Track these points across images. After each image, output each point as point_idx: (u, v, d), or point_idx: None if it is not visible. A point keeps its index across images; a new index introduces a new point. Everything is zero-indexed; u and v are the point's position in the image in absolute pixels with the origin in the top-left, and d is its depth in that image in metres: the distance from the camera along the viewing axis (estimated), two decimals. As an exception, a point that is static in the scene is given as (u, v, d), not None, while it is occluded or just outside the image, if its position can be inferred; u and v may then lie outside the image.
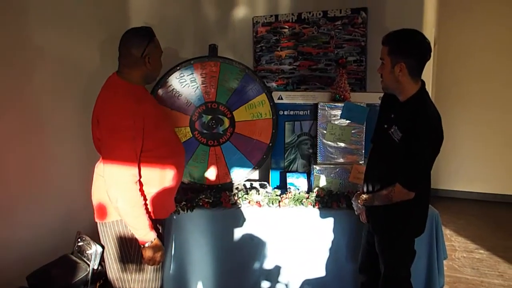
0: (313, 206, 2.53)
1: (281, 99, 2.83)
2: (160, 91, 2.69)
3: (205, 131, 2.76)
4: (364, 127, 2.65)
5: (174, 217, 2.50)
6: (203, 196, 2.61)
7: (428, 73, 2.53)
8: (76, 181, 2.42)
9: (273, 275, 2.58)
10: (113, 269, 1.91)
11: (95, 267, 1.98)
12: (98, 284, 2.05)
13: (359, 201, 2.11)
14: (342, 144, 2.67)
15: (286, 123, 2.84)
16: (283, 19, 3.16)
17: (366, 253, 2.25)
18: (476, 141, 4.89)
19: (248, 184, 2.86)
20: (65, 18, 2.38)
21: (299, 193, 2.61)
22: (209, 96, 2.73)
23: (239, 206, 2.58)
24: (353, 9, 3.01)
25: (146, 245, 1.81)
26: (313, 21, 3.10)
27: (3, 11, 2.02)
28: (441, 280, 2.48)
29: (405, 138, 1.85)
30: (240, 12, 3.28)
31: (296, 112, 2.83)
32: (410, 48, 1.85)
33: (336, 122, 2.66)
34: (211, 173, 2.78)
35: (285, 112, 2.83)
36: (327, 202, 2.53)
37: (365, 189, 2.13)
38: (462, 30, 4.75)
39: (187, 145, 2.68)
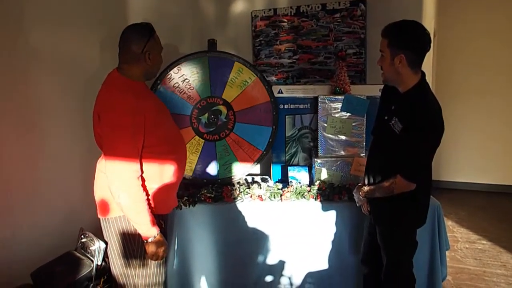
0: (315, 199, 2.53)
1: (281, 92, 2.82)
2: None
3: (211, 129, 2.75)
4: (365, 120, 2.65)
5: (177, 212, 2.50)
6: (205, 191, 2.61)
7: (428, 64, 2.53)
8: (78, 178, 2.42)
9: (276, 268, 2.59)
10: (117, 265, 1.92)
11: (99, 263, 1.99)
12: (102, 280, 2.06)
13: (360, 193, 2.12)
14: (343, 137, 2.67)
15: (286, 116, 2.84)
16: (281, 12, 3.15)
17: (368, 245, 2.26)
18: (478, 132, 4.89)
19: (249, 179, 2.86)
20: (64, 16, 2.38)
21: (301, 187, 2.61)
22: (193, 99, 2.72)
23: (241, 200, 2.58)
24: (352, 1, 3.00)
25: (149, 240, 1.82)
26: (312, 14, 3.09)
27: (2, 13, 2.02)
28: (443, 270, 2.49)
29: (405, 129, 1.85)
30: (239, 6, 3.27)
31: (297, 105, 2.83)
32: (409, 40, 1.85)
33: (336, 115, 2.66)
34: (243, 157, 2.77)
35: (285, 106, 2.83)
36: (328, 195, 2.53)
37: (366, 181, 2.13)
38: (462, 20, 4.74)
39: (207, 151, 2.73)
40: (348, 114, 2.65)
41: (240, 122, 2.75)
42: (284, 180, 2.82)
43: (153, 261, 1.91)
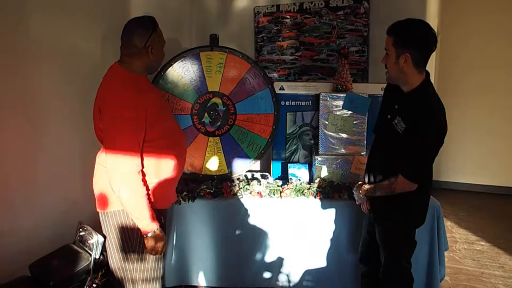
0: (315, 197, 2.53)
1: (283, 89, 2.81)
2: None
3: (218, 124, 2.76)
4: (366, 118, 2.64)
5: (176, 207, 2.50)
6: (204, 186, 2.61)
7: (431, 63, 2.50)
8: (78, 171, 2.42)
9: (274, 265, 2.59)
10: (115, 259, 1.92)
11: (97, 257, 1.99)
12: (100, 274, 2.06)
13: (360, 191, 2.11)
14: (344, 135, 2.66)
15: (287, 113, 2.83)
16: (284, 9, 3.14)
17: (366, 244, 2.26)
18: (479, 132, 4.87)
19: (249, 175, 2.86)
20: (65, 8, 2.36)
21: (301, 184, 2.60)
22: (186, 109, 2.72)
23: (241, 196, 2.58)
24: (356, -1, 2.99)
25: (149, 235, 1.81)
26: (315, 11, 3.08)
27: (2, 3, 2.00)
28: (442, 271, 2.49)
29: (408, 129, 1.84)
30: (242, 2, 3.26)
31: (298, 102, 2.82)
32: (415, 39, 1.82)
33: (338, 113, 2.65)
34: (260, 129, 2.79)
35: (287, 103, 2.82)
36: (328, 192, 2.53)
37: (366, 180, 2.13)
38: (465, 18, 4.71)
39: (228, 144, 2.78)
40: (350, 112, 2.64)
41: (237, 102, 2.75)
42: (284, 177, 2.82)
43: (151, 256, 1.90)
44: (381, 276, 2.12)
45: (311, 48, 3.13)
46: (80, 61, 2.47)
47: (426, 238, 2.39)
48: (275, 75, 3.21)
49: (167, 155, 1.90)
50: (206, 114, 2.75)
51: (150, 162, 1.84)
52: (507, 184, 4.84)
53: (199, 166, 2.79)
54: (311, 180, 2.71)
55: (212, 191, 2.58)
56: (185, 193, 2.54)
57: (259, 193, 2.57)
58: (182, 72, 2.70)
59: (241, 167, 2.79)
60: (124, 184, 1.73)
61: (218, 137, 2.77)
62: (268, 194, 2.57)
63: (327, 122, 2.66)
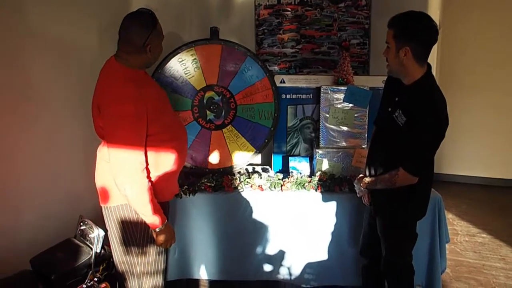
0: (315, 190, 2.52)
1: (284, 82, 2.80)
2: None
3: (223, 114, 2.76)
4: (367, 111, 2.63)
5: (178, 201, 2.50)
6: (205, 180, 2.60)
7: (432, 56, 2.47)
8: (79, 165, 2.42)
9: (275, 258, 2.60)
10: (118, 252, 1.92)
11: (98, 251, 1.99)
12: (101, 267, 2.06)
13: (361, 184, 2.11)
14: (345, 128, 2.65)
15: (288, 106, 2.82)
16: (285, 1, 3.11)
17: (367, 236, 2.26)
18: (480, 125, 4.85)
19: (250, 168, 2.85)
20: (65, 1, 2.34)
21: (302, 177, 2.60)
22: (186, 119, 2.72)
23: (241, 190, 2.58)
24: (357, -10, 2.96)
25: (157, 230, 1.81)
26: (316, 4, 3.06)
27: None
28: (443, 263, 2.49)
29: (409, 122, 1.83)
30: (242, -6, 3.23)
31: (299, 95, 2.81)
32: (415, 32, 1.80)
33: (339, 106, 2.64)
34: (262, 97, 2.78)
35: (288, 96, 2.80)
36: (329, 186, 2.53)
37: (367, 172, 2.12)
38: (468, 12, 4.66)
39: (242, 126, 2.76)
40: (351, 105, 2.63)
41: (228, 84, 2.73)
42: (285, 171, 2.81)
43: (153, 249, 1.91)
44: (382, 268, 2.13)
45: (312, 40, 3.11)
46: (80, 54, 2.45)
47: (427, 231, 2.39)
48: (276, 68, 3.19)
49: (168, 148, 1.89)
50: (207, 112, 2.74)
51: (153, 155, 1.83)
52: (509, 177, 4.83)
53: (226, 159, 2.79)
54: (312, 173, 2.70)
55: (212, 185, 2.58)
56: (186, 186, 2.54)
57: (260, 187, 2.57)
58: (170, 85, 2.68)
59: (262, 139, 2.77)
60: (129, 182, 1.72)
61: (230, 125, 2.76)
62: (269, 187, 2.57)
63: (328, 115, 2.65)
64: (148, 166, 1.82)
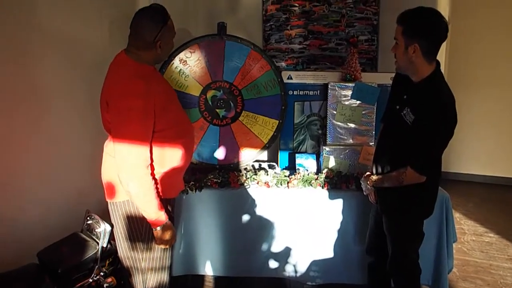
0: (322, 187, 2.51)
1: (291, 78, 2.79)
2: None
3: (231, 107, 2.74)
4: (375, 108, 2.61)
5: (184, 197, 2.50)
6: (212, 176, 2.60)
7: (441, 53, 2.43)
8: (86, 160, 2.42)
9: (281, 255, 2.59)
10: (123, 248, 1.93)
11: (104, 245, 2.00)
12: (107, 262, 2.07)
13: (368, 182, 2.09)
14: (352, 125, 2.64)
15: (295, 103, 2.81)
16: (293, -3, 3.09)
17: (373, 234, 2.24)
18: (487, 124, 4.81)
19: (256, 165, 2.84)
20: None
21: (308, 174, 2.59)
22: (201, 126, 2.72)
23: (248, 186, 2.57)
24: (366, -14, 2.94)
25: (158, 228, 1.81)
26: (324, -1, 3.03)
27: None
28: (450, 263, 2.47)
29: (418, 120, 1.81)
30: (250, -11, 3.21)
31: (306, 92, 2.79)
32: (424, 29, 1.78)
33: (346, 103, 2.63)
34: (259, 69, 2.76)
35: (295, 92, 2.79)
36: (336, 183, 2.51)
37: (374, 170, 2.11)
38: (477, 9, 4.62)
39: (254, 103, 2.73)
40: (358, 102, 2.61)
41: (222, 75, 2.71)
42: (292, 168, 2.80)
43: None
44: (388, 267, 2.11)
45: (320, 37, 3.09)
46: (87, 50, 2.46)
47: (434, 230, 2.37)
48: (283, 64, 3.17)
49: (175, 144, 1.89)
50: (217, 110, 2.74)
51: (158, 152, 1.83)
52: (517, 176, 4.79)
53: (256, 142, 2.78)
54: (318, 171, 2.69)
55: (219, 181, 2.57)
56: (192, 182, 2.53)
57: (266, 183, 2.56)
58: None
59: (278, 108, 2.74)
60: (133, 178, 1.72)
61: (243, 111, 2.75)
62: (275, 184, 2.56)
63: (335, 112, 2.64)
64: (154, 163, 1.81)
